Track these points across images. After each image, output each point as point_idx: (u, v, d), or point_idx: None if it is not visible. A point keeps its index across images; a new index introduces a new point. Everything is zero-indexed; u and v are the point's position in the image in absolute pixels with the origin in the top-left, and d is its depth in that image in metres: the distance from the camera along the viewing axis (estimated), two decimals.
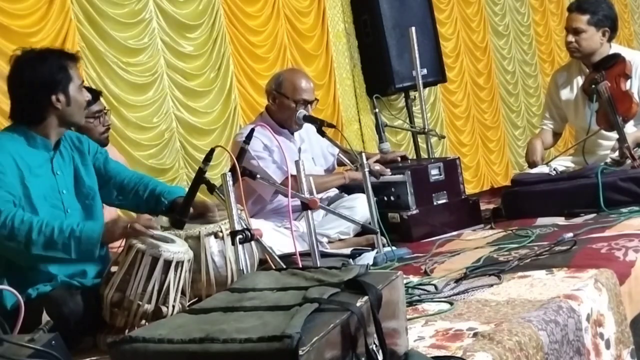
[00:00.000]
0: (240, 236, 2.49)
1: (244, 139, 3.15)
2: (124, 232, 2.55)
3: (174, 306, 2.48)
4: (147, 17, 4.64)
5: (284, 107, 3.87)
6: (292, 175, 3.06)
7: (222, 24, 5.06)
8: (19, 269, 2.63)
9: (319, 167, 4.07)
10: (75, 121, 2.81)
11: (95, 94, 3.65)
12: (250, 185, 3.49)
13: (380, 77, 5.87)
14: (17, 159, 2.66)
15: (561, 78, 4.39)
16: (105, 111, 3.66)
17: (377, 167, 3.80)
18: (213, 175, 3.89)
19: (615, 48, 4.23)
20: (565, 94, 4.33)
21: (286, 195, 3.30)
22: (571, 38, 4.15)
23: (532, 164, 4.27)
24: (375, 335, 1.69)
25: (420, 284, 2.75)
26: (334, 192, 4.01)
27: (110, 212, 3.50)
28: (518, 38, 7.88)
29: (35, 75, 2.72)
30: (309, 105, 3.90)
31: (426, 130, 4.83)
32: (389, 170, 3.85)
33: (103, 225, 2.58)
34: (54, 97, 2.72)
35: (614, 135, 3.97)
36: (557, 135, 4.50)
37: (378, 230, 3.36)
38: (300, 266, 2.50)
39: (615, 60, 4.10)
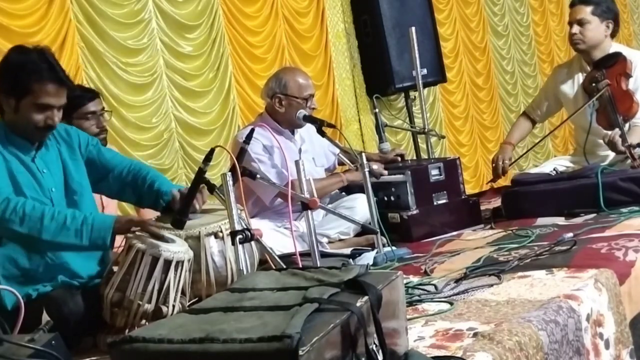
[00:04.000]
0: (240, 236, 2.49)
1: (243, 139, 3.15)
2: (130, 220, 2.56)
3: (174, 306, 2.48)
4: (147, 17, 4.64)
5: (292, 108, 3.87)
6: (292, 180, 3.06)
7: (221, 24, 5.06)
8: (19, 269, 2.63)
9: (319, 167, 4.07)
10: (25, 133, 2.68)
11: (92, 95, 3.58)
12: (249, 187, 3.49)
13: (380, 77, 5.87)
14: (5, 155, 2.65)
15: (562, 74, 4.40)
16: (100, 113, 3.56)
17: (375, 166, 3.82)
18: (212, 175, 3.88)
19: (616, 47, 4.24)
20: (566, 90, 4.34)
21: (286, 198, 3.31)
22: (576, 29, 4.16)
23: (496, 167, 4.28)
24: (375, 335, 1.69)
25: (420, 284, 2.75)
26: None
27: (109, 210, 3.49)
28: (517, 38, 7.88)
29: (8, 64, 2.66)
30: (312, 98, 3.94)
31: (426, 130, 4.83)
32: (386, 171, 3.85)
33: (115, 216, 2.58)
34: (3, 96, 2.66)
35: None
36: (533, 125, 4.59)
37: (378, 230, 3.36)
38: (300, 266, 2.51)
39: (616, 59, 4.11)
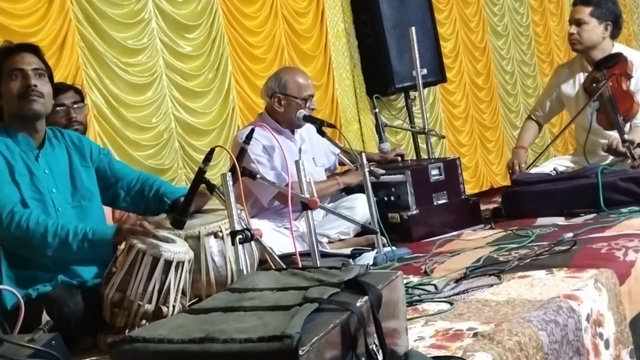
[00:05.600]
0: (240, 236, 2.49)
1: (243, 139, 3.15)
2: (130, 229, 2.54)
3: (174, 306, 2.48)
4: (147, 17, 4.64)
5: (291, 108, 3.88)
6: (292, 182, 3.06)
7: (221, 25, 5.05)
8: (19, 269, 2.63)
9: (319, 167, 4.07)
10: (18, 114, 2.69)
11: (65, 88, 3.50)
12: (248, 188, 3.49)
13: (380, 77, 5.87)
14: (6, 155, 2.66)
15: (563, 74, 4.41)
16: (71, 106, 3.44)
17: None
18: (212, 175, 3.88)
19: (618, 48, 4.24)
20: (567, 90, 4.35)
21: (286, 200, 3.32)
22: (573, 29, 4.18)
23: (513, 172, 4.28)
24: (375, 335, 1.69)
25: (420, 284, 2.75)
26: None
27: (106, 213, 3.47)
28: (517, 38, 7.88)
29: None
30: (312, 99, 3.94)
31: (426, 130, 4.83)
32: (383, 171, 3.84)
33: (115, 227, 2.57)
34: None
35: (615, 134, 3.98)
36: (540, 128, 4.60)
37: (378, 230, 3.36)
38: (300, 266, 2.50)
39: (617, 59, 4.12)
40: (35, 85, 2.67)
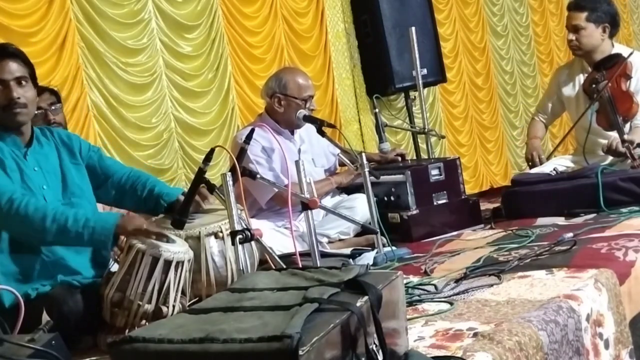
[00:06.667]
0: (240, 236, 2.49)
1: (243, 139, 3.15)
2: (137, 229, 2.53)
3: (174, 306, 2.48)
4: (146, 17, 4.65)
5: (291, 108, 3.88)
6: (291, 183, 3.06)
7: (221, 25, 5.06)
8: (16, 265, 2.62)
9: (319, 168, 4.07)
10: (2, 123, 2.67)
11: (40, 90, 3.48)
12: (246, 188, 3.48)
13: (380, 77, 5.87)
14: None
15: (563, 75, 4.42)
16: (47, 108, 3.45)
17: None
18: (211, 175, 3.88)
19: (618, 48, 4.24)
20: (567, 91, 4.35)
21: (283, 202, 3.32)
22: (572, 36, 4.18)
23: (534, 163, 4.29)
24: (375, 335, 1.69)
25: (420, 284, 2.75)
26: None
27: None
28: (516, 38, 7.88)
29: None
30: (312, 99, 3.95)
31: (426, 130, 4.83)
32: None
33: (118, 217, 2.56)
34: None
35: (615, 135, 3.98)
36: (546, 129, 4.61)
37: (378, 230, 3.36)
38: (300, 266, 2.50)
39: (616, 60, 4.12)
40: (19, 98, 2.65)
